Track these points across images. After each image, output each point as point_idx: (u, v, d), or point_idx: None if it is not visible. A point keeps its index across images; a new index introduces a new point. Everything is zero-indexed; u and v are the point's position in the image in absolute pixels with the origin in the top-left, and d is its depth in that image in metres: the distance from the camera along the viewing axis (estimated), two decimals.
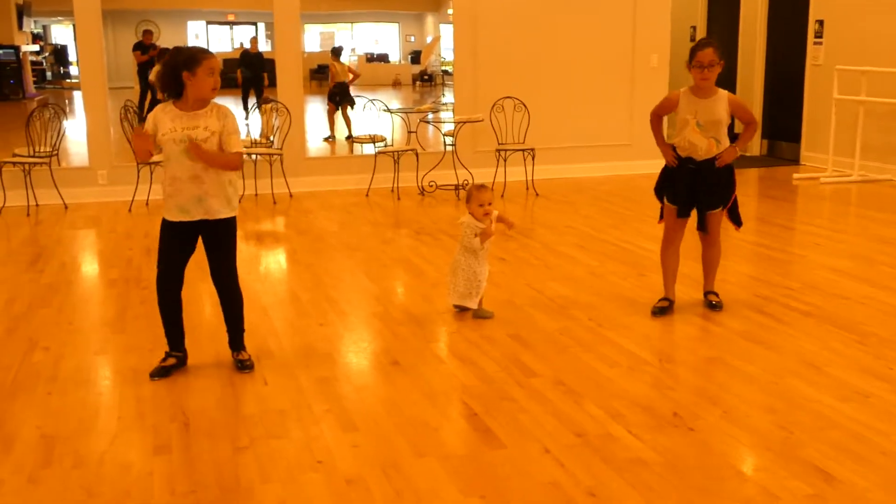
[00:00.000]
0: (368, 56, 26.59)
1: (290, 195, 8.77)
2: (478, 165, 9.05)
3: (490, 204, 4.77)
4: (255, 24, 26.22)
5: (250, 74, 15.22)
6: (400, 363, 4.21)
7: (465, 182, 8.79)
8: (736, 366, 4.12)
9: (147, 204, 8.24)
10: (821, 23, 10.22)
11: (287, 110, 8.83)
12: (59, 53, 25.29)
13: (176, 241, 3.99)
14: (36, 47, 23.10)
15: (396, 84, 24.75)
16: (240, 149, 3.99)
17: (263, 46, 17.40)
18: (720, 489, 3.00)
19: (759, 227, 7.26)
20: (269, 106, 9.00)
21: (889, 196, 8.57)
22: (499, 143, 9.04)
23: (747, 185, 9.33)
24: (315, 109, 13.36)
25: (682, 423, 3.50)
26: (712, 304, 4.95)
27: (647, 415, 3.57)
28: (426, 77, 24.67)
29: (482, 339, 4.53)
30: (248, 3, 22.98)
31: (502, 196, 8.56)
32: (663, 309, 4.88)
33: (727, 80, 11.74)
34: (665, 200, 4.85)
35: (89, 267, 6.37)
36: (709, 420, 3.52)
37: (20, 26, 20.52)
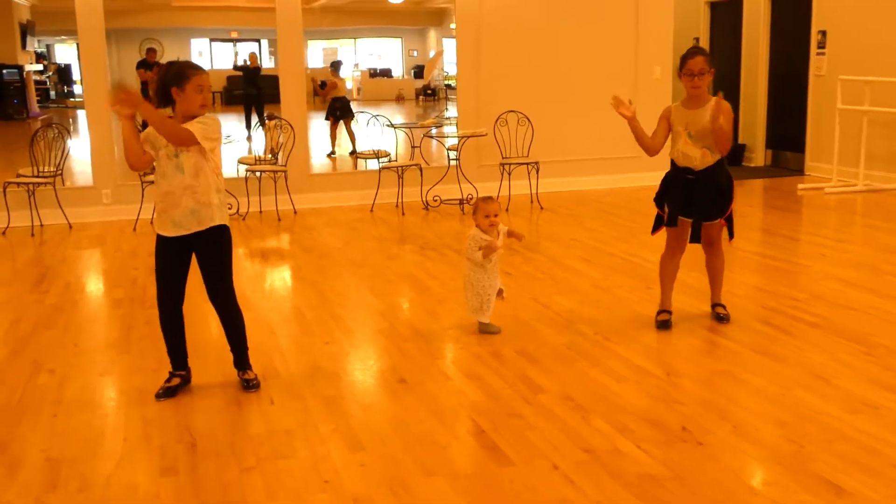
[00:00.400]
0: (371, 71, 26.64)
1: (295, 211, 8.77)
2: (482, 180, 9.06)
3: (496, 215, 4.77)
4: (258, 40, 26.31)
5: (251, 91, 15.22)
6: (406, 380, 4.19)
7: (470, 196, 8.79)
8: (744, 378, 4.10)
9: (152, 222, 8.19)
10: (823, 33, 10.23)
11: (291, 126, 8.85)
12: (63, 72, 25.36)
13: (171, 256, 3.98)
14: (39, 66, 23.18)
15: (400, 99, 24.78)
16: (196, 133, 3.78)
17: (267, 63, 17.43)
18: None
19: (765, 237, 7.24)
20: (273, 123, 9.02)
21: (894, 205, 8.55)
22: (503, 157, 9.04)
23: (752, 196, 9.32)
24: (318, 125, 13.37)
25: (690, 437, 3.48)
26: (720, 316, 4.93)
27: (656, 429, 3.55)
28: (429, 92, 24.71)
29: (489, 354, 4.51)
30: (251, 20, 23.04)
31: (507, 210, 8.55)
32: (666, 322, 4.86)
33: (732, 92, 11.79)
34: (666, 209, 4.83)
35: (94, 287, 6.37)
36: (718, 434, 3.50)
37: (24, 46, 20.59)
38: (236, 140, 12.91)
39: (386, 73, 27.31)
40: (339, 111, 13.22)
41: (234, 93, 18.16)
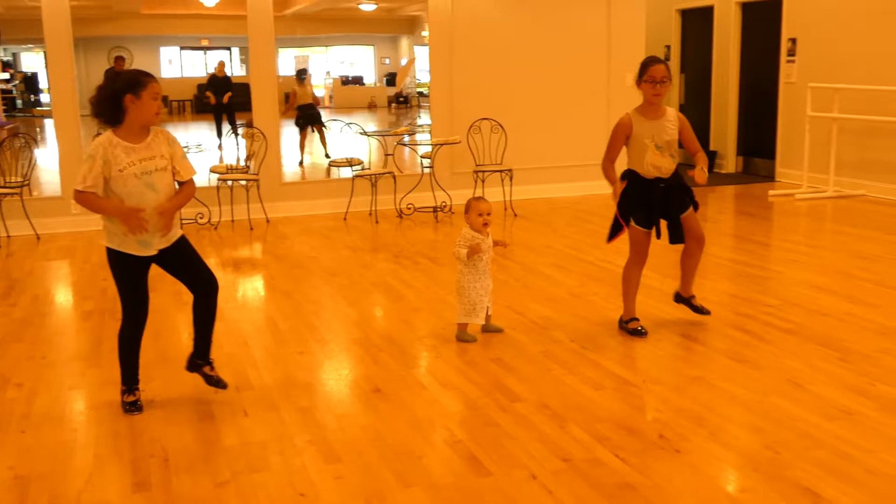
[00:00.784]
0: (344, 79, 26.59)
1: (267, 220, 8.71)
2: (456, 187, 9.04)
3: (489, 214, 4.76)
4: (228, 48, 26.18)
5: (220, 100, 15.07)
6: (382, 390, 4.16)
7: (444, 204, 8.77)
8: (720, 385, 4.10)
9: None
10: (793, 41, 10.33)
11: (263, 135, 8.78)
12: (30, 81, 25.06)
13: (140, 275, 3.84)
14: (6, 75, 22.91)
15: (372, 106, 24.76)
16: (194, 171, 3.92)
17: (238, 71, 17.31)
18: None
19: (737, 244, 7.28)
20: (252, 131, 8.93)
21: (863, 211, 8.64)
22: (476, 165, 9.04)
23: (723, 202, 9.38)
24: (290, 133, 13.28)
25: (668, 444, 3.47)
26: (700, 308, 4.96)
27: (633, 437, 3.54)
28: (402, 99, 24.71)
29: (464, 363, 4.49)
30: (222, 27, 22.90)
31: None
32: (641, 329, 4.83)
33: (702, 100, 11.88)
34: (632, 223, 4.80)
35: (63, 299, 6.27)
36: (695, 441, 3.50)
37: None
38: (207, 149, 12.80)
39: (358, 80, 27.27)
40: (303, 119, 13.12)
41: (204, 101, 17.99)
